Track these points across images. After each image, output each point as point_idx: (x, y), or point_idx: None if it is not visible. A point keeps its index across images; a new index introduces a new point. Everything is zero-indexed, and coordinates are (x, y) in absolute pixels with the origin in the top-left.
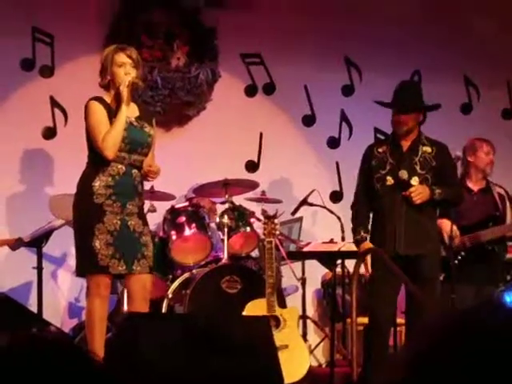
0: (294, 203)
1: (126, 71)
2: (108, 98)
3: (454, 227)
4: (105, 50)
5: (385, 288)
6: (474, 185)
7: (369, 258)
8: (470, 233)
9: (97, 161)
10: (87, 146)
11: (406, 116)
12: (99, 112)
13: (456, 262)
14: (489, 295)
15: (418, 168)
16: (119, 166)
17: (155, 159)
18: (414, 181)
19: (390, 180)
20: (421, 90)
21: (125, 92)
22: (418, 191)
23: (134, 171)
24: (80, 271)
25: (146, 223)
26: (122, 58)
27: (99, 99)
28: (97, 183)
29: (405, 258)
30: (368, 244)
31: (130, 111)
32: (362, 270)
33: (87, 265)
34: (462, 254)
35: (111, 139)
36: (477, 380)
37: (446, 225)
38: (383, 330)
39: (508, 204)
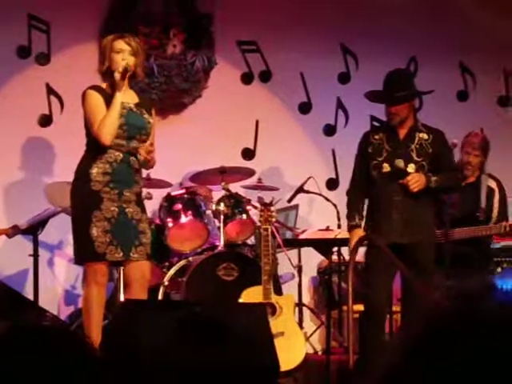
0: (290, 191)
1: (123, 57)
2: (106, 86)
3: None
4: (105, 38)
5: (380, 275)
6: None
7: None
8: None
9: (94, 148)
10: (85, 134)
11: (396, 107)
12: (96, 100)
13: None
14: (483, 281)
15: (414, 155)
16: (116, 153)
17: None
18: (411, 168)
19: (386, 167)
20: (410, 77)
21: (117, 77)
22: (415, 179)
23: (132, 158)
24: (78, 259)
25: (144, 210)
26: (120, 44)
27: (96, 87)
28: (94, 170)
29: (401, 245)
30: (360, 231)
31: (129, 98)
32: (358, 257)
33: (85, 252)
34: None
35: (106, 125)
36: (471, 364)
37: None
38: (379, 317)
39: (497, 199)
